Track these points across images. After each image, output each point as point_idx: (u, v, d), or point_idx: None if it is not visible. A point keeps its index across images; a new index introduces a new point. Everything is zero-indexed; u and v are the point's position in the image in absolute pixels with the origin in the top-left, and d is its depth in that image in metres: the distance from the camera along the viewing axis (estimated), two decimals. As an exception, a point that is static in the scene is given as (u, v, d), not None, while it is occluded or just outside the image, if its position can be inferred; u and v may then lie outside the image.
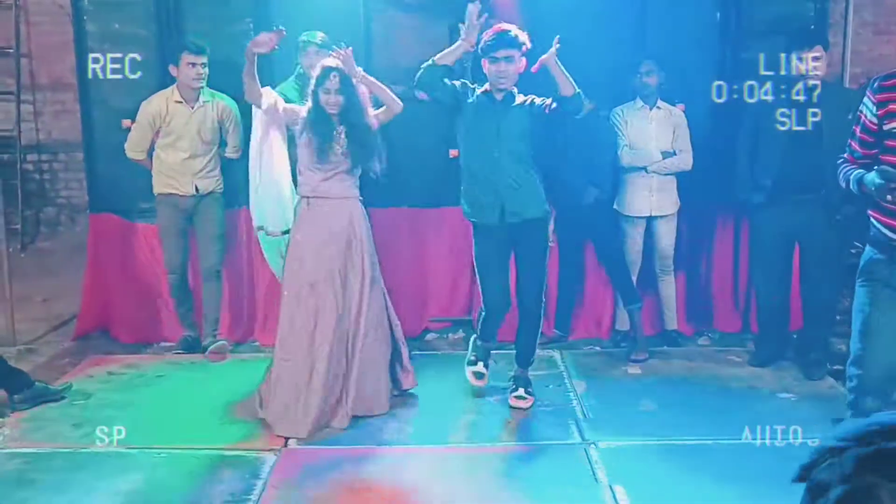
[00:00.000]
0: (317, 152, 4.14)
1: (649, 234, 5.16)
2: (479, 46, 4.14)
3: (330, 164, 4.16)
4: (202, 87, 4.97)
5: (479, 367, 4.47)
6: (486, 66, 4.16)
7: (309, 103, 4.18)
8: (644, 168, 5.01)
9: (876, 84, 3.08)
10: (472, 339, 4.59)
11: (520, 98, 4.20)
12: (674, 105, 5.09)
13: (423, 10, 5.42)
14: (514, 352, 4.46)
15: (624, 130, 5.03)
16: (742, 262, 5.40)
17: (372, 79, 4.25)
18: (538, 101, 4.17)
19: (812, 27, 5.26)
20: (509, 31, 4.10)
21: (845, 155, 3.25)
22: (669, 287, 5.27)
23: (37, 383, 4.43)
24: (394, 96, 4.27)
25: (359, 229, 4.21)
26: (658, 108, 5.04)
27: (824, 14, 5.36)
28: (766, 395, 4.54)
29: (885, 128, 3.06)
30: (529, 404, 4.38)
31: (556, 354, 5.13)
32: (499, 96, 4.19)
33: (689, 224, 5.34)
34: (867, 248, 3.16)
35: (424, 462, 3.84)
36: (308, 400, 4.04)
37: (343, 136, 4.15)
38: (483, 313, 4.45)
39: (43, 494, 3.53)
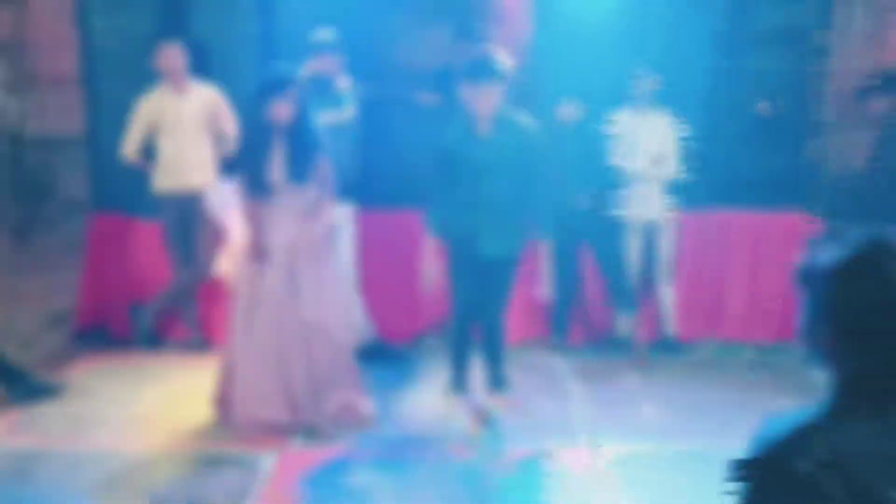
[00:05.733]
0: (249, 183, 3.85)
1: (649, 240, 5.16)
2: (461, 68, 3.75)
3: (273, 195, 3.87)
4: (183, 72, 4.97)
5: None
6: (465, 92, 3.71)
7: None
8: (643, 174, 5.02)
9: None
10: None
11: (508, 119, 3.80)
12: (666, 111, 5.10)
13: (426, 10, 5.42)
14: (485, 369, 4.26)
15: (618, 136, 5.03)
16: (740, 267, 5.39)
17: None
18: (524, 125, 3.84)
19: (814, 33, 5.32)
20: (496, 59, 3.68)
21: None
22: (668, 293, 5.26)
23: (33, 379, 4.40)
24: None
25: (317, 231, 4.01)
26: (653, 113, 5.05)
27: (827, 21, 5.36)
28: (766, 400, 4.52)
29: None
30: (511, 401, 4.29)
31: (555, 358, 5.12)
32: (482, 128, 3.76)
33: (689, 230, 5.33)
34: None
35: (424, 466, 3.82)
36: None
37: (283, 157, 3.86)
38: (453, 331, 4.18)
39: (39, 492, 3.51)
